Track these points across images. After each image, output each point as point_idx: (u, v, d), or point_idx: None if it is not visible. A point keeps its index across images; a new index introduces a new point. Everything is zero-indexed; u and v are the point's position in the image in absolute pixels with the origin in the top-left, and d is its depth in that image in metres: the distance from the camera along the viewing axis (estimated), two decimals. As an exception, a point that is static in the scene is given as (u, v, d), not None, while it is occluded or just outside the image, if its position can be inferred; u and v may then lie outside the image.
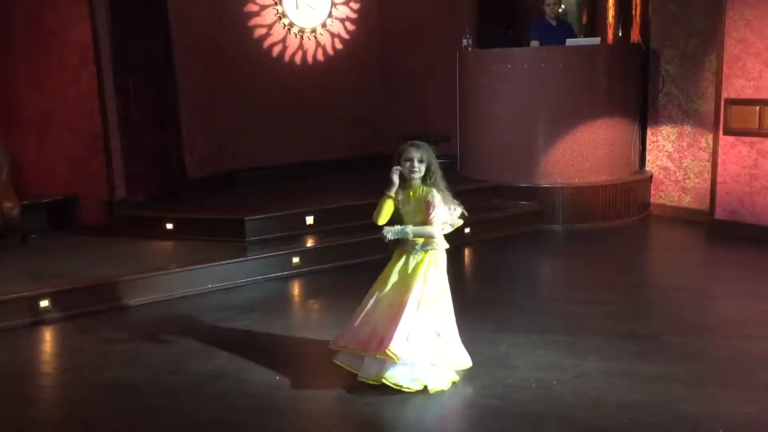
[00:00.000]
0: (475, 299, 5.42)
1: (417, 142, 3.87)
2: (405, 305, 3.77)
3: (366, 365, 3.86)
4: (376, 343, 3.78)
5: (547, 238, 6.98)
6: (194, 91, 7.57)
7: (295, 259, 5.91)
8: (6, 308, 4.92)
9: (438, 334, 3.84)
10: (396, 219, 3.88)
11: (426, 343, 3.78)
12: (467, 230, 6.74)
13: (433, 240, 3.82)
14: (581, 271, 6.03)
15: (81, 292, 5.15)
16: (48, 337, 4.86)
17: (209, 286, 5.55)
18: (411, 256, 3.86)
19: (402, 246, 3.90)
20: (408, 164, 3.81)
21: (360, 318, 3.91)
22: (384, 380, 3.76)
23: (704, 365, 4.02)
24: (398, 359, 3.71)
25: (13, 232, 6.17)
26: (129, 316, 5.11)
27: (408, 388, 3.75)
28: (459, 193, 7.38)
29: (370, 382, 3.82)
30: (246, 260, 5.77)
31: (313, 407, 3.76)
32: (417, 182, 3.85)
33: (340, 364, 3.99)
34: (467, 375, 3.94)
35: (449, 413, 3.60)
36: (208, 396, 3.84)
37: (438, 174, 3.86)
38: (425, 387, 3.76)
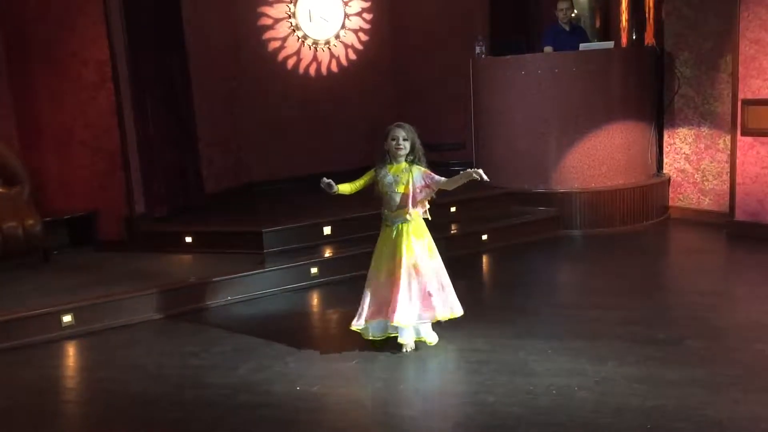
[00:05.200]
0: (494, 306, 5.42)
1: (401, 123, 4.41)
2: (400, 275, 4.31)
3: (380, 326, 4.46)
4: (385, 310, 4.36)
5: (566, 244, 6.95)
6: (210, 106, 7.65)
7: (314, 270, 5.94)
8: (30, 324, 4.98)
9: (430, 294, 4.37)
10: (376, 192, 4.43)
11: (422, 303, 4.34)
12: (485, 237, 6.75)
13: (407, 214, 4.33)
14: (600, 277, 6.00)
15: (103, 307, 5.21)
16: (71, 352, 4.91)
17: (229, 298, 5.59)
18: (393, 228, 4.38)
19: (384, 220, 4.44)
20: (394, 143, 4.33)
21: (371, 292, 4.44)
22: (393, 335, 4.41)
23: (727, 369, 3.99)
24: (407, 325, 4.32)
25: (36, 249, 6.25)
26: (151, 330, 5.15)
27: (409, 346, 4.38)
28: (475, 200, 7.47)
29: (379, 338, 4.47)
30: (264, 272, 5.81)
31: (336, 418, 3.77)
32: (402, 158, 4.35)
33: (372, 337, 4.49)
34: (488, 383, 3.94)
35: (470, 422, 3.60)
36: (231, 409, 3.86)
37: (421, 151, 4.38)
38: (427, 342, 4.43)
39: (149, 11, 6.75)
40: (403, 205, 4.35)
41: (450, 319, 4.54)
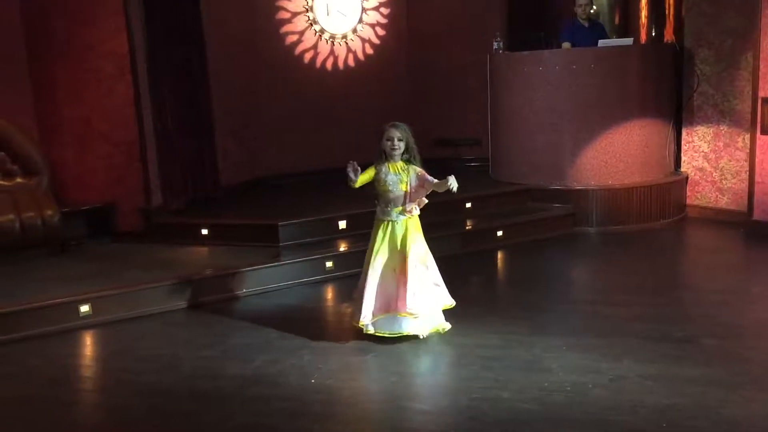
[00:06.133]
0: (508, 302, 5.41)
1: (396, 123, 4.48)
2: (408, 268, 4.40)
3: (389, 322, 4.47)
4: (395, 304, 4.43)
5: (581, 241, 6.92)
6: (227, 99, 7.68)
7: (328, 264, 5.96)
8: (47, 313, 5.03)
9: (436, 285, 4.57)
10: (374, 189, 4.51)
11: (429, 295, 4.47)
12: (500, 233, 6.74)
13: (412, 210, 4.47)
14: (616, 274, 5.97)
15: (120, 298, 5.25)
16: (88, 342, 4.96)
17: (244, 291, 5.62)
18: (395, 224, 4.47)
19: (384, 217, 4.50)
20: (389, 143, 4.42)
21: (375, 289, 4.47)
22: (406, 333, 4.45)
23: (742, 368, 3.96)
24: (416, 316, 4.38)
25: (54, 239, 6.31)
26: (166, 321, 5.19)
27: (423, 334, 4.46)
28: (491, 196, 7.46)
29: (388, 335, 4.46)
30: (280, 265, 5.83)
31: (348, 411, 3.78)
32: (398, 157, 4.44)
33: (378, 333, 4.49)
34: (502, 379, 3.94)
35: (485, 416, 3.59)
36: (244, 400, 3.88)
37: (415, 150, 4.48)
38: (437, 331, 4.52)
39: (168, 4, 6.78)
40: (405, 202, 4.48)
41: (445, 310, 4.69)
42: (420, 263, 4.48)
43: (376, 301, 4.49)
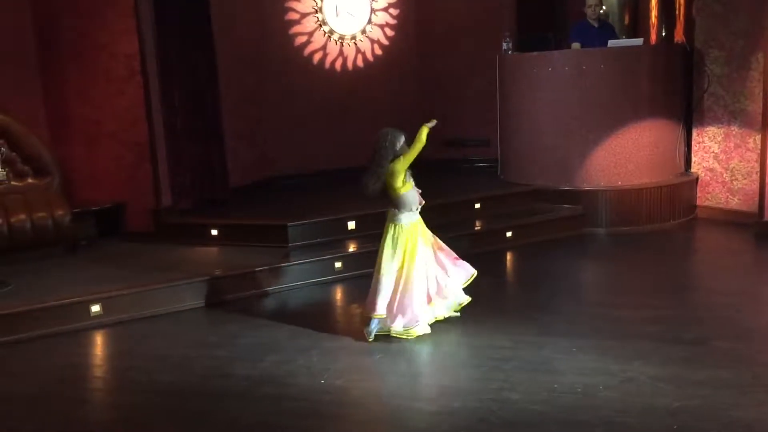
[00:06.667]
0: (517, 304, 5.40)
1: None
2: (435, 255, 4.67)
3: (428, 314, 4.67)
4: (429, 296, 4.65)
5: (591, 242, 6.90)
6: (237, 100, 7.70)
7: (338, 264, 5.96)
8: (59, 313, 5.07)
9: (456, 258, 4.79)
10: (392, 195, 4.66)
11: (454, 273, 4.75)
12: (509, 234, 6.73)
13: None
14: (625, 275, 5.95)
15: (130, 298, 5.28)
16: (98, 341, 4.99)
17: (253, 291, 5.63)
18: (420, 221, 4.66)
19: (413, 219, 4.63)
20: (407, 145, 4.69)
21: (424, 294, 4.61)
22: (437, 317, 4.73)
23: (754, 371, 3.94)
24: (446, 297, 4.73)
25: (65, 239, 6.34)
26: (177, 321, 5.21)
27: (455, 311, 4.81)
28: (500, 197, 7.44)
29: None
30: (289, 265, 5.84)
31: (357, 412, 3.79)
32: None
33: (405, 335, 4.57)
34: (512, 380, 3.94)
35: (494, 418, 3.59)
36: (254, 400, 3.90)
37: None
38: (461, 305, 4.84)
39: (178, 5, 6.80)
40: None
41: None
42: (437, 247, 4.74)
43: (423, 303, 4.63)
